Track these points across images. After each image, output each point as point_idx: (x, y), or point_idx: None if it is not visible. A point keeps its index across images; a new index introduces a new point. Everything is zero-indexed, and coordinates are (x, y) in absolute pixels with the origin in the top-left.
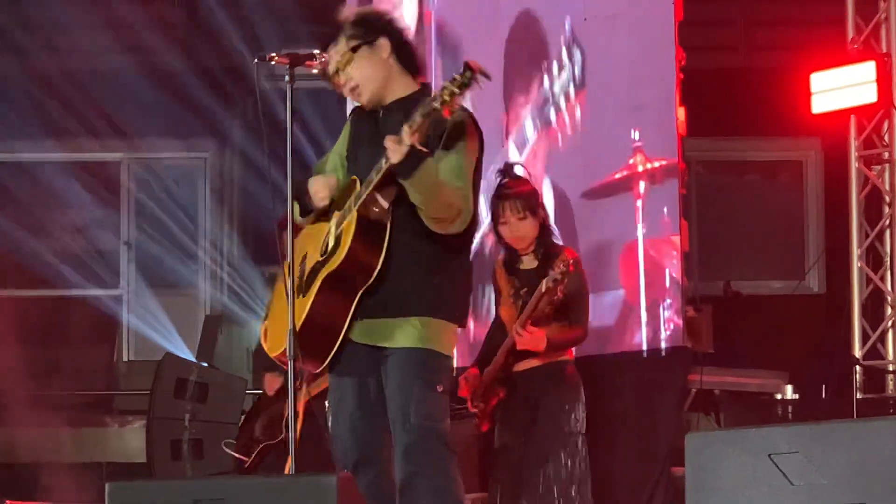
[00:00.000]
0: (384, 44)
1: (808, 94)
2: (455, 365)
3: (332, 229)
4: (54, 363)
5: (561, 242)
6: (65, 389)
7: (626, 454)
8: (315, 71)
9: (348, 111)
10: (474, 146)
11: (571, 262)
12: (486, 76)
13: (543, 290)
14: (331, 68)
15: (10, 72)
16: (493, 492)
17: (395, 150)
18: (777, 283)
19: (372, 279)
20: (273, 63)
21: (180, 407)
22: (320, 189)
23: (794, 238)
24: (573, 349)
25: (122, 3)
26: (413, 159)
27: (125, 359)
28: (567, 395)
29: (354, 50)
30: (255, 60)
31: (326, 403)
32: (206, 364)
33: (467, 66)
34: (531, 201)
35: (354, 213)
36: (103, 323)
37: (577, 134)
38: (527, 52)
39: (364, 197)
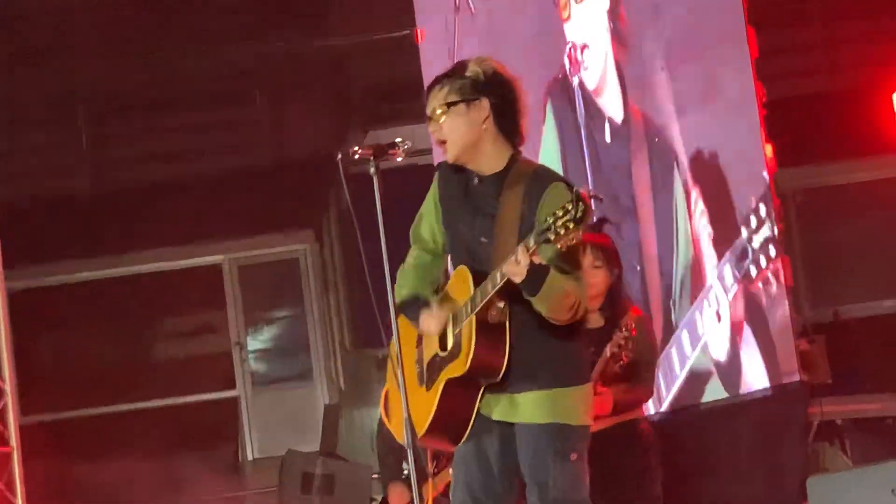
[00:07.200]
0: (483, 105)
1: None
2: None
3: (450, 327)
4: (180, 472)
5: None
6: (192, 496)
7: (757, 494)
8: (399, 160)
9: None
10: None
11: (633, 325)
12: (599, 199)
13: (608, 355)
14: (428, 110)
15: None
16: None
17: (515, 273)
18: (889, 301)
19: (498, 379)
20: (357, 157)
21: (308, 502)
22: (431, 326)
23: None
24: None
25: (203, 107)
26: (535, 276)
27: (249, 458)
28: (644, 456)
29: (450, 106)
30: (339, 157)
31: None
32: (330, 455)
33: (580, 198)
34: (609, 253)
35: (473, 319)
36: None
37: None
38: None
39: (481, 305)
